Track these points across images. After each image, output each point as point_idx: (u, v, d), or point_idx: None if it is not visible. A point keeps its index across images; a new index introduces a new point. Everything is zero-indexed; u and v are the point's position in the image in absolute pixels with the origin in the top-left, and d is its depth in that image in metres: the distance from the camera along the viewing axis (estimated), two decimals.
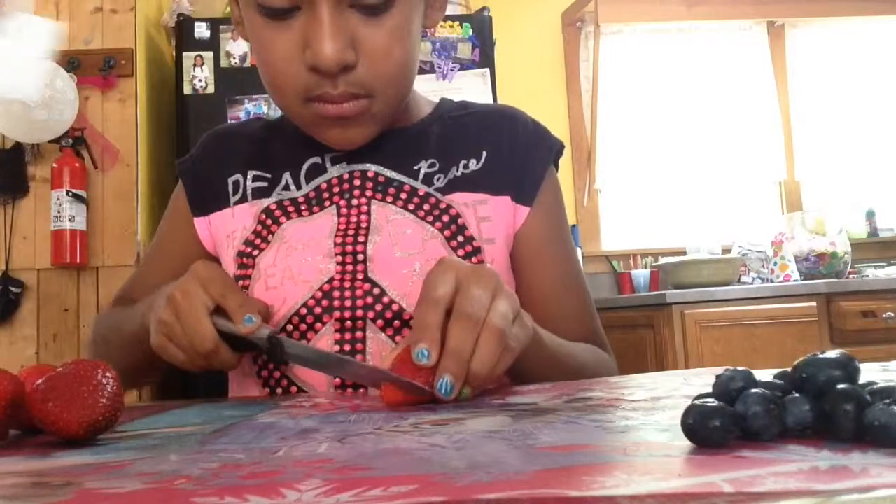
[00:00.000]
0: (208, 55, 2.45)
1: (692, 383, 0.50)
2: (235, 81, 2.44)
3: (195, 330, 0.60)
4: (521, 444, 0.30)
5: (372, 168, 0.75)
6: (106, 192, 2.28)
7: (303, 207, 0.74)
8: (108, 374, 0.39)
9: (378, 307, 0.68)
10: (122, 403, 0.40)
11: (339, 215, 0.72)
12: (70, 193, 2.18)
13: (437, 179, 0.75)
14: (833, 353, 0.30)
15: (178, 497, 0.24)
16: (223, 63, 2.45)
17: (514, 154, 0.77)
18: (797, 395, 0.29)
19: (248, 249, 0.73)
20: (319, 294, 0.69)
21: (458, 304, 0.51)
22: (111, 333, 0.79)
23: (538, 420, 0.37)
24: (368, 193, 0.74)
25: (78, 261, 2.19)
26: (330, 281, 0.69)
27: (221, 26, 2.47)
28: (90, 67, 2.29)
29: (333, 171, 0.76)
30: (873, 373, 0.51)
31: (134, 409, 0.57)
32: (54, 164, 2.21)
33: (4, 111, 2.11)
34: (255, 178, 0.78)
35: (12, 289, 2.21)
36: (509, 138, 0.78)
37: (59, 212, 2.17)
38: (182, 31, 2.46)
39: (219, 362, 0.62)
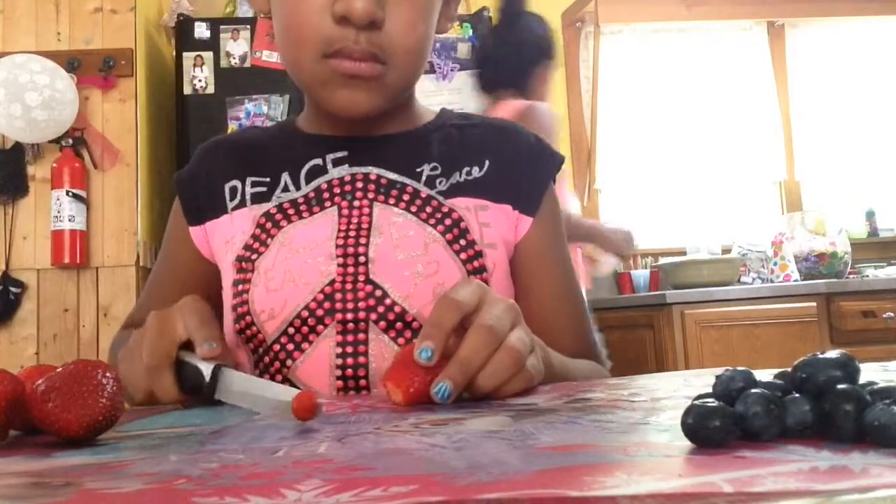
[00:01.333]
0: (208, 55, 2.45)
1: (692, 384, 0.50)
2: (235, 81, 2.45)
3: (151, 345, 0.58)
4: (521, 444, 0.30)
5: (374, 171, 0.75)
6: (106, 192, 2.29)
7: (302, 208, 0.74)
8: (108, 374, 0.39)
9: (380, 309, 0.68)
10: (123, 403, 0.40)
11: (341, 216, 0.72)
12: (70, 193, 2.18)
13: (440, 183, 0.75)
14: (833, 353, 0.30)
15: (178, 497, 0.24)
16: (223, 63, 2.46)
17: (516, 165, 0.77)
18: (797, 395, 0.29)
19: (248, 254, 0.73)
20: (321, 296, 0.68)
21: (480, 317, 0.50)
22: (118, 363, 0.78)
23: (538, 420, 0.37)
24: (371, 195, 0.73)
25: (78, 261, 2.19)
26: (331, 283, 0.69)
27: (221, 26, 2.48)
28: (90, 67, 2.29)
29: (335, 173, 0.75)
30: (873, 373, 0.51)
31: (134, 410, 0.57)
32: (54, 164, 2.21)
33: (4, 111, 2.11)
34: (255, 184, 0.77)
35: (12, 289, 2.21)
36: (512, 150, 0.78)
37: (58, 212, 2.17)
38: (182, 31, 2.46)
39: (160, 388, 0.58)
